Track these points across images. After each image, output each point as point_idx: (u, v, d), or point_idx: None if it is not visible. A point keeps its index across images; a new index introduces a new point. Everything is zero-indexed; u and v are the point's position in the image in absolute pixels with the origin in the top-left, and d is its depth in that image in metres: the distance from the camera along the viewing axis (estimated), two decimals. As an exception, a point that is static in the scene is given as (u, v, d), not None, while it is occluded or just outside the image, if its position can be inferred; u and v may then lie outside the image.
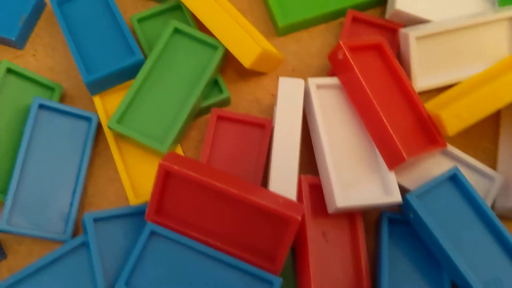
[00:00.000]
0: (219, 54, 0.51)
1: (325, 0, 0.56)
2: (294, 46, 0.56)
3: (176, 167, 0.42)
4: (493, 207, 0.50)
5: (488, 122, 0.53)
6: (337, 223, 0.47)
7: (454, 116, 0.47)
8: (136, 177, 0.50)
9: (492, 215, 0.46)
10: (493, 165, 0.53)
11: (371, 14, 0.56)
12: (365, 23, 0.55)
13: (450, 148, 0.50)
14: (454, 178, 0.47)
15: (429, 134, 0.48)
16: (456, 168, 0.47)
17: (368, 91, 0.46)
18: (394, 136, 0.45)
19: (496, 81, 0.47)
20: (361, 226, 0.47)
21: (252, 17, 0.57)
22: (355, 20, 0.55)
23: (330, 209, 0.45)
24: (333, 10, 0.55)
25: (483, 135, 0.54)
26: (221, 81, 0.53)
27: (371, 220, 0.50)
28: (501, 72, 0.50)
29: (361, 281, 0.45)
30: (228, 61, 0.55)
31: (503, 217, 0.50)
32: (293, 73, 0.55)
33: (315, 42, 0.56)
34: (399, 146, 0.45)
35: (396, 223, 0.48)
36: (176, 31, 0.52)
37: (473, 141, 0.54)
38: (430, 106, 0.49)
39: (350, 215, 0.47)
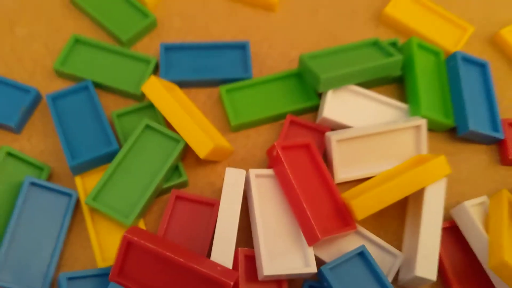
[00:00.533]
0: (180, 147, 0.63)
1: (270, 105, 0.69)
2: (244, 140, 0.69)
3: (136, 239, 0.53)
4: (397, 279, 0.61)
5: (398, 210, 0.66)
6: (267, 289, 0.58)
7: (362, 205, 0.59)
8: (105, 244, 0.61)
9: (390, 286, 0.57)
10: (400, 244, 0.64)
11: (305, 119, 0.70)
12: (300, 125, 0.68)
13: (363, 229, 0.62)
14: (361, 254, 0.58)
15: (343, 218, 0.60)
16: (363, 246, 0.58)
17: (293, 182, 0.58)
18: (311, 219, 0.57)
19: (397, 178, 0.60)
20: (286, 292, 0.58)
21: (212, 115, 0.70)
22: (292, 123, 0.68)
23: (260, 276, 0.56)
24: (275, 114, 0.69)
25: (394, 220, 0.66)
26: (181, 167, 0.65)
27: (298, 285, 0.61)
28: (404, 170, 0.63)
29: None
30: (189, 150, 0.67)
31: (406, 287, 0.61)
32: (241, 163, 0.68)
33: (261, 138, 0.69)
34: (315, 227, 0.56)
35: (316, 290, 0.59)
36: (147, 127, 0.64)
37: (385, 224, 0.65)
38: (346, 195, 0.61)
39: (278, 282, 0.58)
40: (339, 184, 0.66)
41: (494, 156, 0.70)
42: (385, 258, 0.61)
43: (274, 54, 0.75)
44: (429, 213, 0.60)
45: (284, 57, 0.75)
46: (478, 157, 0.70)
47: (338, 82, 0.67)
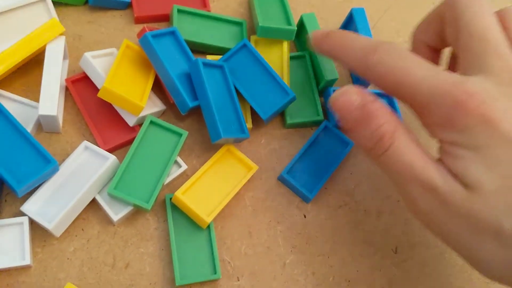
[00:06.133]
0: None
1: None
2: None
3: None
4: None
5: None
6: None
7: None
8: None
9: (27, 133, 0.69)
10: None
11: None
12: None
13: (5, 92, 0.72)
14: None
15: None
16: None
17: None
18: None
19: (17, 42, 0.71)
20: None
21: None
22: None
23: None
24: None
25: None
26: None
27: None
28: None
29: None
30: None
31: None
32: None
33: None
34: None
35: None
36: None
37: (32, 87, 0.77)
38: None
39: None
40: None
41: (129, 18, 0.84)
42: (27, 112, 0.73)
43: None
44: (49, 64, 0.71)
45: None
46: (114, 20, 0.83)
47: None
